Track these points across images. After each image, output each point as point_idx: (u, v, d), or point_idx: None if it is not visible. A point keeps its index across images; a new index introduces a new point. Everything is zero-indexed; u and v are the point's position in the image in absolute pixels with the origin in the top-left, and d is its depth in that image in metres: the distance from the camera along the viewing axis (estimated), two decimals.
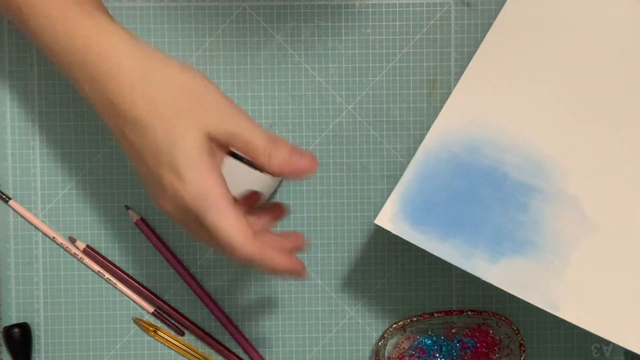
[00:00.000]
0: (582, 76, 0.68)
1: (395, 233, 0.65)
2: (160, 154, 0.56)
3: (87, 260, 0.77)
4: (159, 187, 0.58)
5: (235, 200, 0.60)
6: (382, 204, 0.78)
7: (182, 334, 0.78)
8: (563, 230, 0.65)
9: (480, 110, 0.67)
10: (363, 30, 0.77)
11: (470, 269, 0.64)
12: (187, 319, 0.77)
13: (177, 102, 0.58)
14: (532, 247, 0.64)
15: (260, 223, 0.63)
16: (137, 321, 0.77)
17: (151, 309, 0.77)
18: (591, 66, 0.68)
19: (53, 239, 0.77)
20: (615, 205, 0.65)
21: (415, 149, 0.70)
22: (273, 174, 0.60)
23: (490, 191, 0.65)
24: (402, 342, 0.77)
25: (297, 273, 0.61)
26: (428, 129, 0.70)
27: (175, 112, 0.57)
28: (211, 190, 0.56)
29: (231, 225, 0.57)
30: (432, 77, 0.77)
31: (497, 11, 0.75)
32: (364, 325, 0.78)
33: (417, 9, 0.77)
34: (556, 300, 0.64)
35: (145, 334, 0.78)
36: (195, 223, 0.58)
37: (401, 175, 0.69)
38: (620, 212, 0.65)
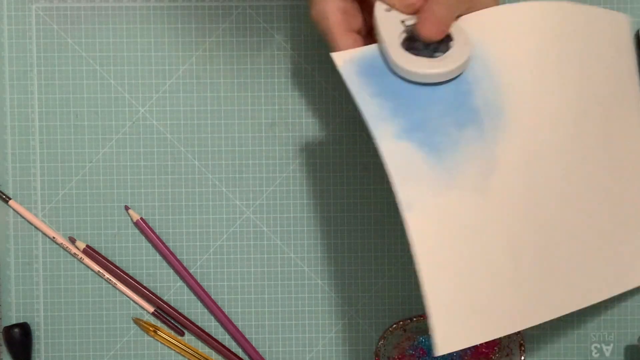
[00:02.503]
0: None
1: (339, 68, 0.64)
2: None
3: (87, 260, 0.77)
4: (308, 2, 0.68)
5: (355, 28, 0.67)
6: (382, 204, 0.78)
7: (182, 334, 0.78)
8: (466, 169, 0.64)
9: (499, 37, 0.67)
10: None
11: (374, 129, 0.63)
12: (187, 319, 0.77)
13: None
14: (438, 155, 0.63)
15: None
16: (137, 321, 0.77)
17: (151, 309, 0.77)
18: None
19: (53, 239, 0.77)
20: (521, 196, 0.65)
21: None
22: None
23: (449, 92, 0.65)
24: (402, 342, 0.77)
25: None
26: None
27: None
28: (328, 15, 0.65)
29: (341, 48, 0.65)
30: None
31: None
32: (364, 325, 0.78)
33: None
34: (413, 204, 0.62)
35: (145, 334, 0.78)
36: (325, 36, 0.67)
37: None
38: (519, 203, 0.65)
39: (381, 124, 0.63)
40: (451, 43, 0.64)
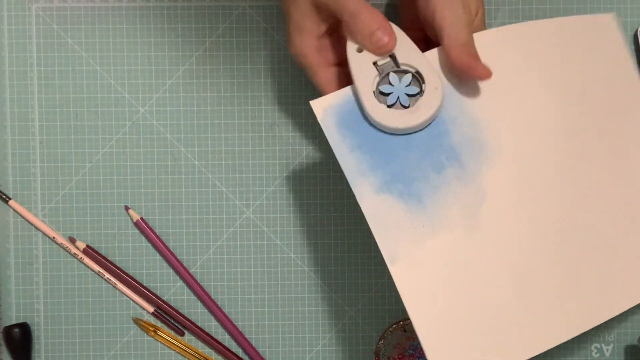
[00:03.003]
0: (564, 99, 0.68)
1: (320, 121, 0.65)
2: (284, 16, 0.69)
3: (87, 260, 0.77)
4: (286, 39, 0.71)
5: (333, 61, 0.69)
6: None
7: (182, 334, 0.78)
8: (451, 210, 0.64)
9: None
10: None
11: (353, 185, 0.64)
12: (187, 319, 0.77)
13: None
14: (417, 203, 0.64)
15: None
16: (137, 321, 0.77)
17: (151, 309, 0.77)
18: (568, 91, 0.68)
19: (53, 239, 0.77)
20: (515, 224, 0.65)
21: None
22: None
23: (425, 136, 0.65)
24: (402, 342, 0.77)
25: None
26: None
27: None
28: (306, 54, 0.68)
29: (321, 84, 0.69)
30: None
31: (493, 11, 0.75)
32: (364, 325, 0.78)
33: None
34: (397, 256, 0.63)
35: (145, 334, 0.78)
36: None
37: None
38: (514, 232, 0.65)
39: (360, 179, 0.64)
40: (423, 86, 0.64)
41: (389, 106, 0.64)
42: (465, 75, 0.65)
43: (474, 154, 0.65)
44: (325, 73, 0.69)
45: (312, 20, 0.67)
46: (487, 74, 0.64)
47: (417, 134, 0.65)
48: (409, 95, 0.65)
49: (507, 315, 0.64)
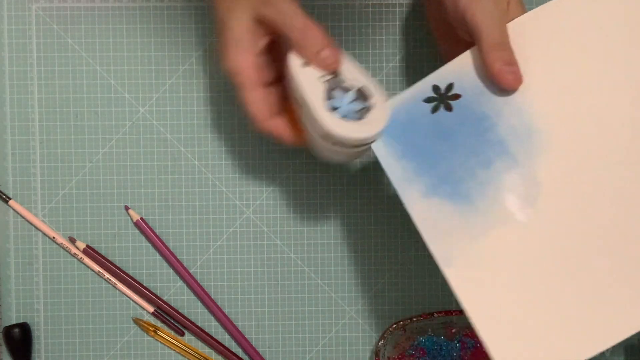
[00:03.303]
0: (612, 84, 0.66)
1: None
2: (219, 30, 0.67)
3: (87, 260, 0.77)
4: (219, 53, 0.67)
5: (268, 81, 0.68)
6: (382, 204, 0.78)
7: (182, 334, 0.78)
8: (504, 204, 0.63)
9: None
10: (363, 30, 0.77)
11: (402, 195, 0.63)
12: (187, 319, 0.77)
13: None
14: (467, 202, 0.63)
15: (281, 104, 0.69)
16: (137, 321, 0.77)
17: (151, 309, 0.77)
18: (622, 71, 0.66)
19: (53, 239, 0.77)
20: (573, 213, 0.64)
21: None
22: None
23: (469, 134, 0.64)
24: (402, 342, 0.77)
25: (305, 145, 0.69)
26: None
27: None
28: (242, 70, 0.66)
29: (251, 104, 0.67)
30: None
31: None
32: (364, 325, 0.78)
33: (417, 8, 0.77)
34: (451, 259, 0.62)
35: (145, 334, 0.78)
36: (235, 90, 0.67)
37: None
38: (572, 221, 0.64)
39: (407, 186, 0.63)
40: (369, 101, 0.64)
41: (338, 112, 0.64)
42: (497, 84, 0.64)
43: (524, 143, 0.64)
44: (257, 92, 0.66)
45: (252, 35, 0.65)
46: (513, 85, 0.63)
47: (460, 133, 0.64)
48: (355, 111, 0.65)
49: (567, 310, 0.63)
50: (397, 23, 0.77)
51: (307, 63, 0.64)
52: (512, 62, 0.63)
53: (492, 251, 0.63)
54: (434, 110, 0.65)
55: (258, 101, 0.66)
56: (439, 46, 0.72)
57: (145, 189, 0.77)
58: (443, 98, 0.65)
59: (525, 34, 0.64)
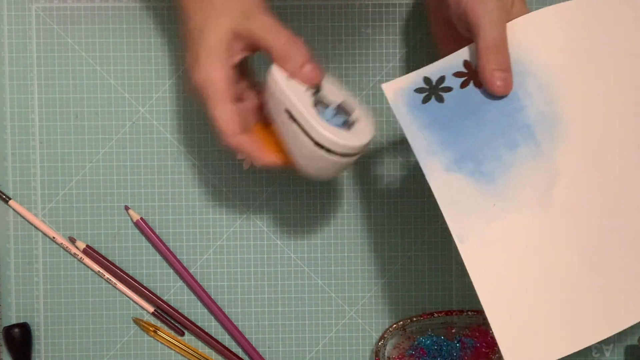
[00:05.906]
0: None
1: (390, 102, 0.64)
2: (193, 39, 0.65)
3: (87, 260, 0.77)
4: (189, 64, 0.66)
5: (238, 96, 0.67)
6: (381, 204, 0.78)
7: (182, 334, 0.78)
8: (524, 189, 0.63)
9: (540, 44, 0.66)
10: (363, 30, 0.77)
11: (423, 166, 0.63)
12: (187, 319, 0.77)
13: (214, 0, 0.65)
14: (489, 182, 0.63)
15: (253, 118, 0.69)
16: (137, 321, 0.77)
17: (151, 309, 0.77)
18: None
19: (53, 239, 0.77)
20: (587, 204, 0.64)
21: None
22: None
23: (498, 114, 0.64)
24: (402, 342, 0.77)
25: (279, 165, 0.67)
26: None
27: (211, 8, 0.65)
28: (215, 82, 0.64)
29: (222, 117, 0.65)
30: None
31: None
32: (364, 325, 0.78)
33: (417, 8, 0.77)
34: (467, 235, 0.62)
35: (145, 334, 0.78)
36: (204, 104, 0.66)
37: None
38: (585, 212, 0.64)
39: (430, 157, 0.63)
40: (351, 116, 0.65)
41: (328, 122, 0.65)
42: (486, 87, 0.64)
43: (549, 131, 0.64)
44: (227, 106, 0.65)
45: (228, 48, 0.64)
46: (502, 91, 0.63)
47: (489, 111, 0.64)
48: (339, 125, 0.65)
49: (578, 297, 0.63)
50: (397, 23, 0.77)
51: (290, 77, 0.64)
52: (505, 68, 0.63)
53: (507, 234, 0.63)
54: (463, 85, 0.64)
55: (228, 115, 0.65)
56: (439, 46, 0.72)
57: (145, 189, 0.77)
58: (475, 74, 0.64)
59: (555, 24, 0.64)
